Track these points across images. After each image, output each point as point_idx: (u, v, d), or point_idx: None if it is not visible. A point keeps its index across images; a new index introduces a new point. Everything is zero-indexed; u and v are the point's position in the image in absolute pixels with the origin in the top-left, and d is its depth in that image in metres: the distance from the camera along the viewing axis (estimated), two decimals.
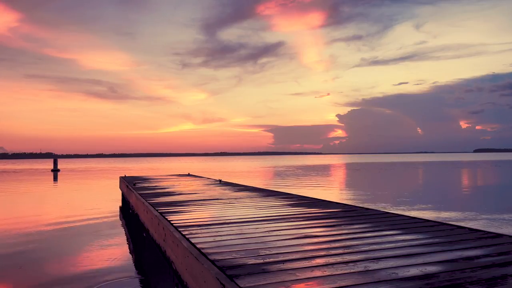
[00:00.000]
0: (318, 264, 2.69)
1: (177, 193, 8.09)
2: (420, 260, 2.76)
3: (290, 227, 4.10)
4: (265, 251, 3.07)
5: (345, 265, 2.65)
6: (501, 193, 17.18)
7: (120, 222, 10.11)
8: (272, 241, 3.46)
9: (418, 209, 11.40)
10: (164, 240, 4.31)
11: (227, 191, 8.23)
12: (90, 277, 5.54)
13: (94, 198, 16.75)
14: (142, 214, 6.49)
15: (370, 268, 2.57)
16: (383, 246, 3.21)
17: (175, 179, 12.64)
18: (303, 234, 3.74)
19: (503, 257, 2.80)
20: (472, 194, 16.78)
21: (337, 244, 3.29)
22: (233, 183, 10.49)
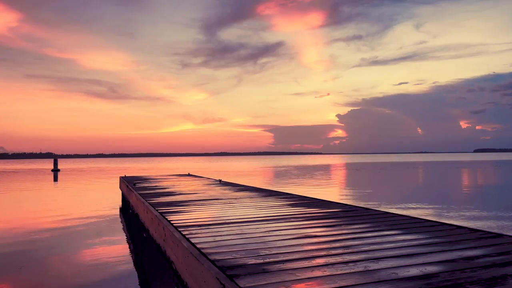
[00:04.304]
0: (318, 264, 2.69)
1: (177, 193, 8.09)
2: (420, 260, 2.76)
3: (290, 227, 4.10)
4: (265, 251, 3.07)
5: (345, 265, 2.65)
6: (501, 193, 17.17)
7: (120, 222, 10.11)
8: (272, 241, 3.46)
9: (418, 209, 11.40)
10: (164, 240, 4.31)
11: (227, 191, 8.23)
12: (90, 277, 5.54)
13: (94, 198, 16.75)
14: (142, 214, 6.49)
15: (370, 268, 2.57)
16: (383, 246, 3.21)
17: (175, 179, 12.64)
18: (303, 234, 3.74)
19: (503, 257, 2.80)
20: (472, 194, 16.77)
21: (337, 244, 3.29)
22: (233, 183, 10.49)
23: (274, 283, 2.30)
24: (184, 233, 3.85)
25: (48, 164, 71.61)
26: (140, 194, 7.68)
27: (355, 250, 3.09)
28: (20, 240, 8.21)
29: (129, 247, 7.33)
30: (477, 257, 2.81)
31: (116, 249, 7.19)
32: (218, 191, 8.38)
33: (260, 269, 2.57)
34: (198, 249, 3.18)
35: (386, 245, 3.24)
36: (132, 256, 6.66)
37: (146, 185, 10.38)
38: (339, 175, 31.37)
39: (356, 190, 18.39)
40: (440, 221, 4.31)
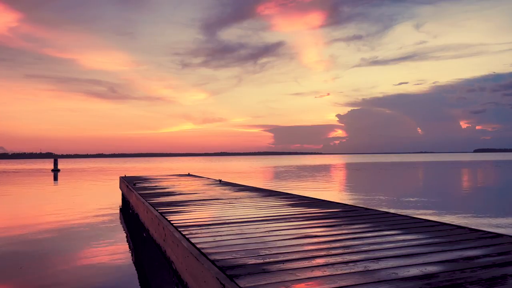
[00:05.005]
0: (318, 264, 2.69)
1: (177, 193, 8.09)
2: (420, 260, 2.76)
3: (290, 227, 4.10)
4: (265, 251, 3.07)
5: (345, 265, 2.65)
6: (501, 193, 17.18)
7: (120, 222, 10.11)
8: (272, 241, 3.46)
9: (418, 209, 11.40)
10: (164, 240, 4.31)
11: (227, 191, 8.23)
12: (90, 277, 5.54)
13: (94, 198, 16.75)
14: (142, 214, 6.49)
15: (370, 268, 2.57)
16: (383, 246, 3.21)
17: (175, 179, 12.64)
18: (303, 234, 3.74)
19: (503, 257, 2.80)
20: (472, 194, 16.78)
21: (337, 244, 3.29)
22: (233, 183, 10.49)
23: (274, 283, 2.30)
24: (184, 233, 3.85)
25: (48, 164, 71.64)
26: (140, 194, 7.68)
27: (355, 250, 3.09)
28: (20, 240, 8.21)
29: (129, 247, 7.33)
30: (477, 257, 2.81)
31: (116, 249, 7.19)
32: (218, 191, 8.38)
33: (260, 269, 2.57)
34: (198, 249, 3.18)
35: (386, 245, 3.24)
36: (132, 256, 6.66)
37: (146, 185, 10.38)
38: (339, 175, 31.37)
39: (356, 190, 18.39)
40: (440, 221, 4.31)
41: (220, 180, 11.37)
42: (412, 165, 53.17)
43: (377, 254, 2.93)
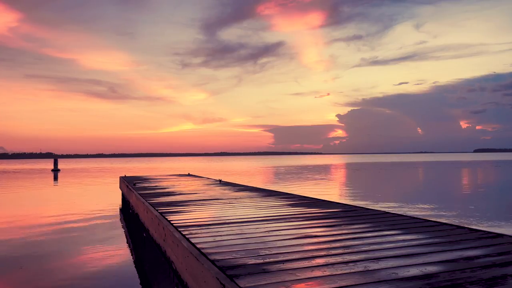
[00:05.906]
0: (318, 264, 2.69)
1: (177, 193, 8.09)
2: (420, 260, 2.76)
3: (290, 227, 4.11)
4: (265, 251, 3.07)
5: (345, 265, 2.66)
6: (501, 193, 17.17)
7: (120, 222, 10.11)
8: (272, 241, 3.47)
9: (418, 209, 11.40)
10: (164, 240, 4.32)
11: (227, 191, 8.23)
12: (90, 277, 5.54)
13: (94, 198, 16.75)
14: (142, 214, 6.49)
15: (370, 268, 2.57)
16: (383, 246, 3.21)
17: (175, 179, 12.64)
18: (303, 234, 3.74)
19: (503, 257, 2.80)
20: (472, 194, 16.77)
21: (337, 244, 3.29)
22: (233, 183, 10.49)
23: (274, 283, 2.30)
24: (184, 233, 3.86)
25: (48, 164, 71.64)
26: (140, 194, 7.68)
27: (355, 250, 3.09)
28: (21, 240, 8.21)
29: (129, 247, 7.33)
30: (477, 257, 2.81)
31: (116, 249, 7.19)
32: (218, 191, 8.38)
33: (260, 269, 2.58)
34: (198, 249, 3.18)
35: (386, 245, 3.24)
36: (132, 256, 6.66)
37: (146, 185, 10.39)
38: (339, 175, 31.37)
39: (356, 190, 18.39)
40: (440, 221, 4.31)
41: (220, 180, 11.37)
42: (412, 165, 53.17)
43: (377, 254, 2.93)
